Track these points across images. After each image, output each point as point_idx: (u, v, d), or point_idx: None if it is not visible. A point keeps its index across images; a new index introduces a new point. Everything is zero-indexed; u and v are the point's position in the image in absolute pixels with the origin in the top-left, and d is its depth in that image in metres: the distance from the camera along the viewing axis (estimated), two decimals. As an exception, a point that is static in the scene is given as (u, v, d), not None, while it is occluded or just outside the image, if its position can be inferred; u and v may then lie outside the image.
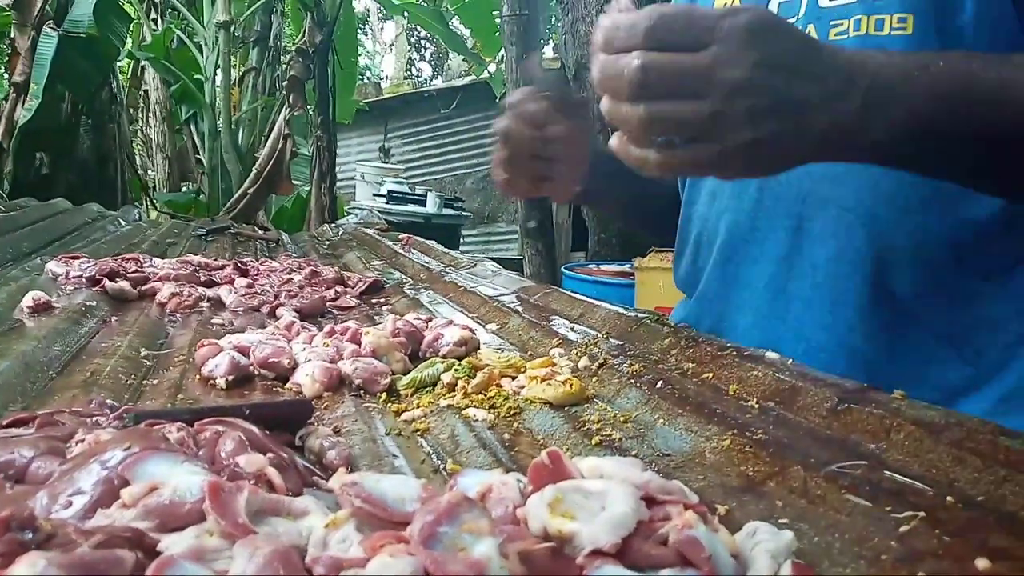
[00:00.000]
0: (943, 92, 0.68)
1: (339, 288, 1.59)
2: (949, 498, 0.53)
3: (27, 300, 1.20)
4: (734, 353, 0.85)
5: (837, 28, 0.90)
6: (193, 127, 6.72)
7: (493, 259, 1.86)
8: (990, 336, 0.88)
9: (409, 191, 6.65)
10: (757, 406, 0.74)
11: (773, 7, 0.98)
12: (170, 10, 6.68)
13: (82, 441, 0.58)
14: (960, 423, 0.61)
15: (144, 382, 0.94)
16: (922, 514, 0.51)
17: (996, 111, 0.70)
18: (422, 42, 17.63)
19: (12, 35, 4.46)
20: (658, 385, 0.83)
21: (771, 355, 0.83)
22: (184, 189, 7.22)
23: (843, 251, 0.92)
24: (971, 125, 0.70)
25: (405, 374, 0.95)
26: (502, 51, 5.35)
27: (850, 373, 0.78)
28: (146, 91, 7.41)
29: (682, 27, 0.61)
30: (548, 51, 9.68)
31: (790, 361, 0.81)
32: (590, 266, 4.13)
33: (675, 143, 0.65)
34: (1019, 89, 0.69)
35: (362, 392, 0.91)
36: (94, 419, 0.67)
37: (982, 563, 0.45)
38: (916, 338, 0.90)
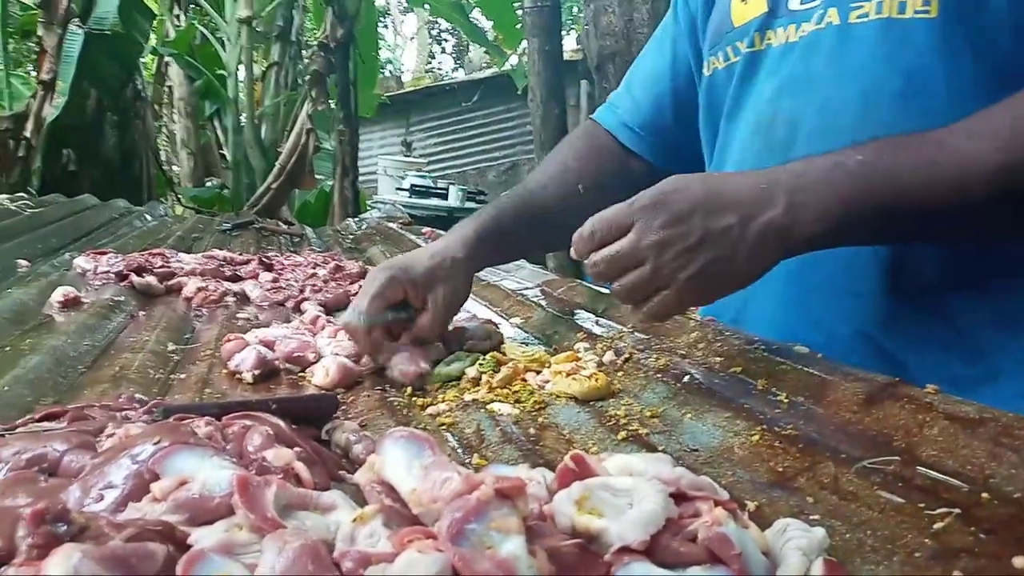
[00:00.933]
0: (866, 179, 0.74)
1: (363, 283, 1.59)
2: (984, 494, 0.52)
3: (57, 295, 1.22)
4: (762, 347, 0.85)
5: (858, 11, 0.88)
6: (217, 122, 6.77)
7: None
8: (1013, 332, 0.86)
9: (431, 185, 6.66)
10: (786, 400, 0.73)
11: None
12: (193, 6, 6.73)
13: (113, 435, 0.58)
14: (996, 418, 0.60)
15: (171, 376, 0.95)
16: (957, 511, 0.50)
17: (923, 190, 0.74)
18: (443, 35, 17.64)
19: (39, 33, 4.51)
20: (685, 379, 0.82)
21: (800, 349, 0.82)
22: (208, 184, 7.28)
23: None
24: (901, 204, 0.75)
25: (433, 367, 0.95)
26: (524, 43, 5.33)
27: (867, 364, 0.77)
28: (170, 87, 7.47)
29: (608, 226, 0.77)
30: (571, 42, 9.66)
31: (820, 355, 0.79)
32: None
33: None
34: (943, 164, 0.73)
35: (387, 386, 0.91)
36: (124, 413, 0.68)
37: (1020, 561, 0.44)
38: (936, 331, 0.88)
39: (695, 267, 0.75)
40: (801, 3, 0.96)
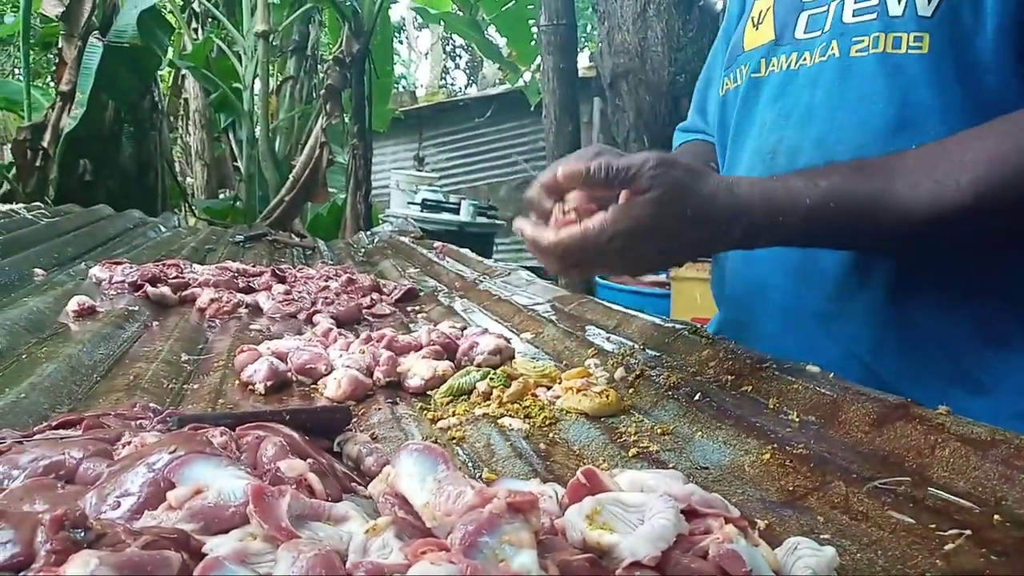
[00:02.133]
0: (825, 211, 0.80)
1: (375, 295, 1.61)
2: (996, 517, 0.52)
3: (72, 304, 1.23)
4: (773, 366, 0.85)
5: (858, 45, 0.91)
6: (231, 135, 6.83)
7: (526, 267, 1.86)
8: (1008, 362, 0.86)
9: (443, 199, 6.69)
10: (797, 420, 0.74)
11: (802, 23, 0.98)
12: (210, 20, 6.81)
13: (129, 443, 0.59)
14: (1008, 440, 0.59)
15: (185, 386, 0.96)
16: (968, 532, 0.50)
17: (873, 222, 0.81)
18: (457, 51, 17.75)
19: (60, 45, 4.58)
20: (696, 397, 0.82)
21: (812, 368, 0.82)
22: (222, 196, 7.34)
23: (853, 266, 0.91)
24: (854, 232, 0.83)
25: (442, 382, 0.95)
26: (538, 60, 5.36)
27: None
28: (186, 99, 7.55)
29: (578, 252, 0.81)
30: (584, 60, 9.70)
31: (831, 375, 0.80)
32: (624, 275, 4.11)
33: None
34: (880, 209, 0.79)
35: (398, 399, 0.91)
36: (139, 422, 0.68)
37: (1032, 585, 0.44)
38: (930, 359, 0.88)
39: (641, 255, 0.82)
40: (806, 33, 0.97)
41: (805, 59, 0.96)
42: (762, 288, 1.02)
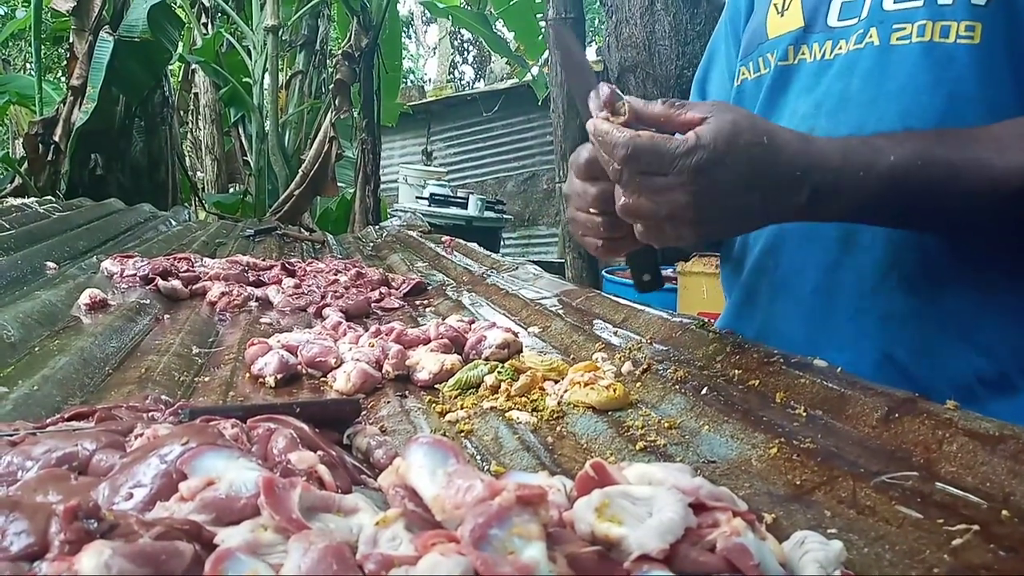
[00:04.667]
0: (894, 185, 0.76)
1: (384, 289, 1.61)
2: (1004, 512, 0.52)
3: (84, 298, 1.24)
4: (781, 360, 0.84)
5: (900, 32, 0.88)
6: (241, 129, 6.84)
7: (534, 262, 1.87)
8: None
9: (451, 194, 6.70)
10: (805, 414, 0.73)
11: (835, 10, 0.96)
12: (220, 14, 6.82)
13: (141, 435, 0.59)
14: (1016, 435, 0.59)
15: (196, 379, 0.96)
16: (976, 528, 0.50)
17: (943, 198, 0.77)
18: (465, 45, 17.72)
19: (71, 40, 4.60)
20: (703, 391, 0.82)
21: (819, 363, 0.82)
22: (232, 190, 7.36)
23: (892, 262, 0.90)
24: (922, 209, 0.79)
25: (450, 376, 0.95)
26: (545, 54, 5.35)
27: (893, 386, 0.77)
28: (196, 94, 7.58)
29: (651, 161, 0.72)
30: (592, 54, 9.67)
31: (839, 369, 0.79)
32: (631, 270, 4.10)
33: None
34: (969, 174, 0.75)
35: (407, 392, 0.92)
36: (150, 414, 0.69)
37: (1039, 580, 0.44)
38: (964, 356, 0.88)
39: (711, 193, 0.73)
40: (840, 20, 0.95)
41: (840, 47, 0.94)
42: (790, 286, 1.00)
